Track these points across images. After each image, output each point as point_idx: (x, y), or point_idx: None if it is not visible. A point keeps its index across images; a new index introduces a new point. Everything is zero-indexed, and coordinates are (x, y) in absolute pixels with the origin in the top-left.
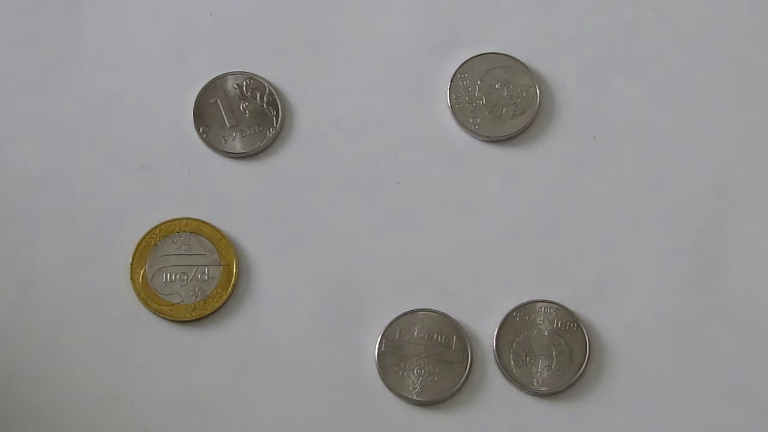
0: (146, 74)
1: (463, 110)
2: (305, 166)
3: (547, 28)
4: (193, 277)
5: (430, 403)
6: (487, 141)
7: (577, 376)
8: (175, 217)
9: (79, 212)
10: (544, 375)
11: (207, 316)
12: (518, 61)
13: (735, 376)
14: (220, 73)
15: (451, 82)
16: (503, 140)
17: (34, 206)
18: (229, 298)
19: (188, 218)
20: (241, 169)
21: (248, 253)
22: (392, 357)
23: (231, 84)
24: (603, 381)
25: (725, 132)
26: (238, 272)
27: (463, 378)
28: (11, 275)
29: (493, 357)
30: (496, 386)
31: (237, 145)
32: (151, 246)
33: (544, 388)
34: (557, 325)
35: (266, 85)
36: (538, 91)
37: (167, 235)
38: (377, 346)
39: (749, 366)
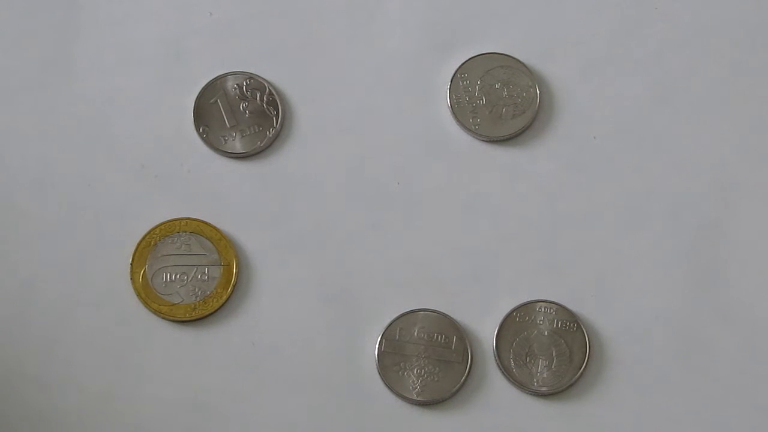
0: (146, 74)
1: (463, 110)
2: (305, 166)
3: (547, 28)
4: (193, 277)
5: (430, 403)
6: (487, 141)
7: (577, 376)
8: (175, 217)
9: (79, 212)
10: (544, 375)
11: (207, 316)
12: (518, 61)
13: (735, 376)
14: (220, 73)
15: (451, 82)
16: (503, 140)
17: (34, 206)
18: (229, 298)
19: (188, 218)
20: (241, 169)
21: (248, 253)
22: (392, 357)
23: (231, 84)
24: (603, 381)
25: (725, 132)
26: (238, 272)
27: (463, 378)
28: (11, 275)
29: (493, 357)
30: (496, 386)
31: (237, 145)
32: (151, 246)
33: (544, 388)
34: (557, 325)
35: (266, 85)
36: (538, 91)
37: (167, 235)
38: (377, 346)
39: (749, 366)
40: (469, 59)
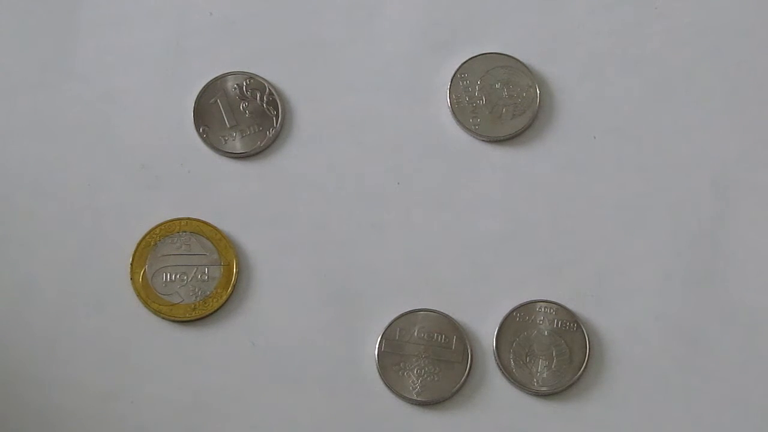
0: (146, 74)
1: (463, 110)
2: (305, 166)
3: (547, 28)
4: (193, 277)
5: (430, 403)
6: (487, 141)
7: (577, 376)
8: (175, 217)
9: (79, 212)
10: (544, 375)
11: (207, 316)
12: (518, 61)
13: (735, 376)
14: (220, 73)
15: (451, 82)
16: (503, 140)
17: (34, 206)
18: (229, 298)
19: (188, 218)
20: (241, 169)
21: (248, 253)
22: (392, 357)
23: (231, 84)
24: (603, 381)
25: (725, 132)
26: (238, 272)
27: (463, 378)
28: (11, 275)
29: (493, 357)
30: (496, 386)
31: (237, 145)
32: (151, 246)
33: (544, 388)
34: (557, 325)
35: (266, 85)
36: (538, 91)
37: (167, 235)
38: (377, 346)
39: (749, 366)
40: (469, 59)
